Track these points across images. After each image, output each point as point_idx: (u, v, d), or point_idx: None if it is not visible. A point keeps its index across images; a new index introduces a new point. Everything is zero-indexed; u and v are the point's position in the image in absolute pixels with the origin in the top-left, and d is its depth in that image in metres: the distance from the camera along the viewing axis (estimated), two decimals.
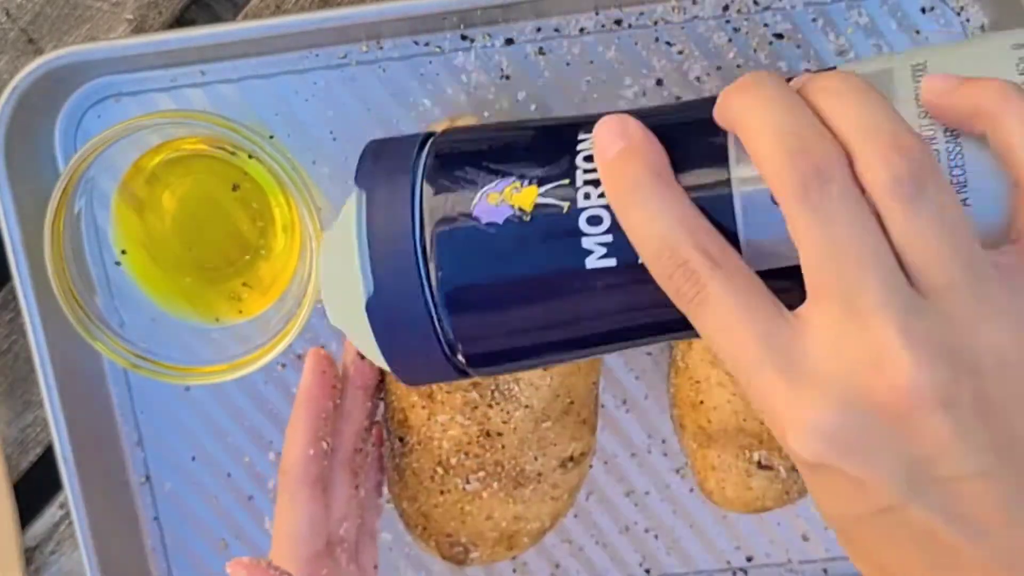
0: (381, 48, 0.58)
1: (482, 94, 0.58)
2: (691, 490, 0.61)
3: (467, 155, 0.39)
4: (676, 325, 0.36)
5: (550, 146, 0.38)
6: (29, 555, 0.63)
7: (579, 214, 0.36)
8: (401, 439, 0.55)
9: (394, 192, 0.38)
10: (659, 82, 0.58)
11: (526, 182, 0.37)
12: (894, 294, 0.32)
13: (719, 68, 0.57)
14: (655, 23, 0.57)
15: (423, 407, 0.53)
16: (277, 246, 0.58)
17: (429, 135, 0.41)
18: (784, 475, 0.55)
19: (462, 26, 0.57)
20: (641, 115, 0.37)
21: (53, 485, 0.61)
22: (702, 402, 0.55)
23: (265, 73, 0.58)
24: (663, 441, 0.61)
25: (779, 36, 0.57)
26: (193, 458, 0.62)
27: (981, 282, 0.32)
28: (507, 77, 0.58)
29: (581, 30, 0.57)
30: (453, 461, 0.54)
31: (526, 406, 0.53)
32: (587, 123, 0.38)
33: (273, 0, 0.59)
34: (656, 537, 0.62)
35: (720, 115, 0.36)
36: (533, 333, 0.38)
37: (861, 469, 0.32)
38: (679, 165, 0.36)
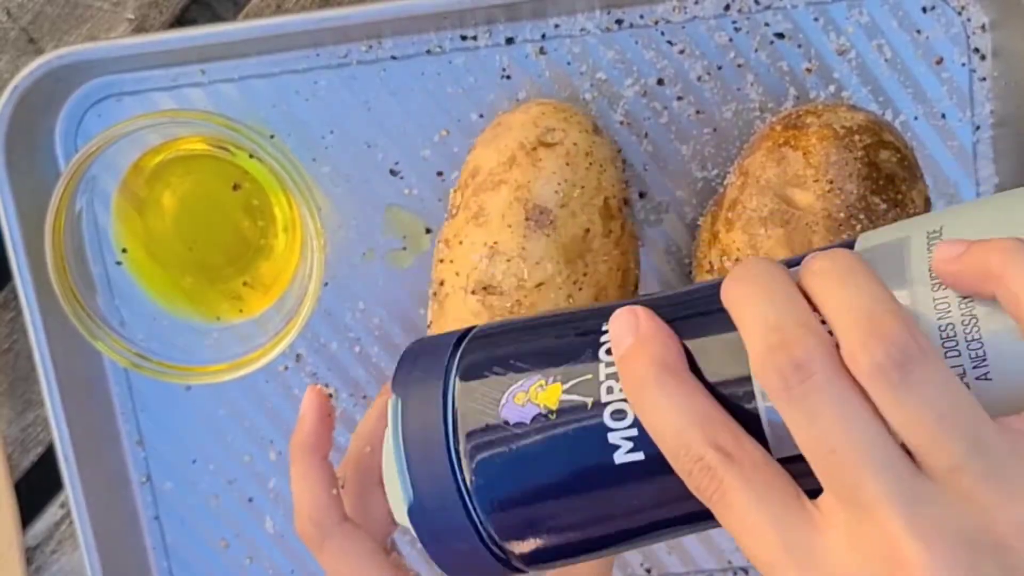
0: (382, 47, 0.58)
1: (483, 94, 0.58)
2: None
3: (496, 355, 0.38)
4: (713, 515, 0.35)
5: (574, 341, 0.38)
6: (30, 554, 0.63)
7: (603, 409, 0.36)
8: None
9: (426, 398, 0.38)
10: (660, 82, 0.58)
11: (551, 379, 0.37)
12: (896, 484, 0.31)
13: (720, 68, 0.57)
14: (656, 23, 0.57)
15: None
16: (278, 245, 0.58)
17: (465, 333, 0.40)
18: None
19: (463, 26, 0.57)
20: (656, 303, 0.37)
21: (54, 484, 0.61)
22: None
23: (266, 72, 0.58)
24: None
25: (780, 35, 0.57)
26: (194, 461, 0.62)
27: (991, 460, 0.31)
28: (508, 76, 0.58)
29: (582, 29, 0.57)
30: None
31: None
32: (610, 314, 0.37)
33: (274, 0, 0.59)
34: None
35: (724, 303, 0.35)
36: (577, 530, 0.38)
37: None
38: (697, 353, 0.35)
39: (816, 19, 0.57)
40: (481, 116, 0.58)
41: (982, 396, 0.32)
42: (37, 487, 0.62)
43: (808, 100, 0.57)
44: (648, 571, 0.62)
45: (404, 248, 0.59)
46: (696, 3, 0.57)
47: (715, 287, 0.36)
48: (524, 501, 0.37)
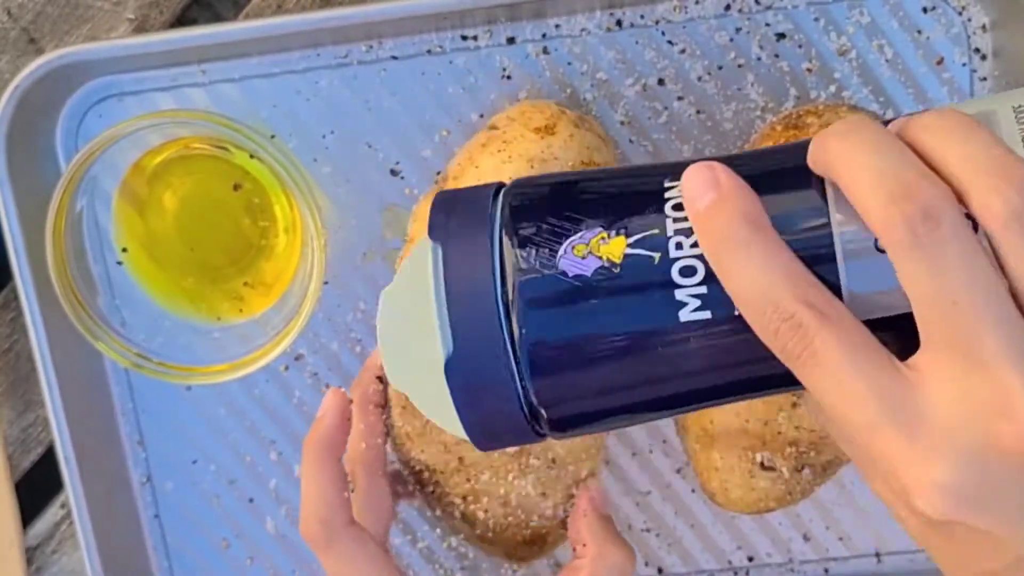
0: (382, 48, 0.58)
1: (483, 94, 0.58)
2: (692, 490, 0.61)
3: (546, 205, 0.37)
4: (777, 380, 0.35)
5: (636, 194, 0.36)
6: (30, 555, 0.63)
7: (671, 265, 0.35)
8: (420, 485, 0.55)
9: (472, 246, 0.36)
10: (661, 82, 0.58)
11: (613, 232, 0.35)
12: (1016, 339, 0.31)
13: (720, 68, 0.57)
14: (656, 23, 0.57)
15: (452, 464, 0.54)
16: (279, 246, 0.58)
17: (500, 185, 0.39)
18: (787, 476, 0.55)
19: (463, 26, 0.57)
20: (729, 161, 0.35)
21: (54, 485, 0.61)
22: None
23: (266, 72, 0.58)
24: (664, 441, 0.61)
25: (781, 36, 0.57)
26: (195, 461, 0.62)
27: None
28: (508, 77, 0.58)
29: (582, 29, 0.57)
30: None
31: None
32: (671, 170, 0.36)
33: (274, 0, 0.59)
34: (657, 536, 0.62)
35: (816, 161, 0.34)
36: (621, 393, 0.36)
37: (994, 522, 0.31)
38: (774, 215, 0.34)
39: (817, 19, 0.57)
40: (482, 116, 0.58)
41: None
42: (38, 487, 0.62)
43: (809, 100, 0.57)
44: (660, 571, 0.62)
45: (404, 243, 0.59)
46: (697, 3, 0.57)
47: (794, 147, 0.35)
48: (574, 356, 0.36)
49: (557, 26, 0.57)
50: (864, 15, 0.57)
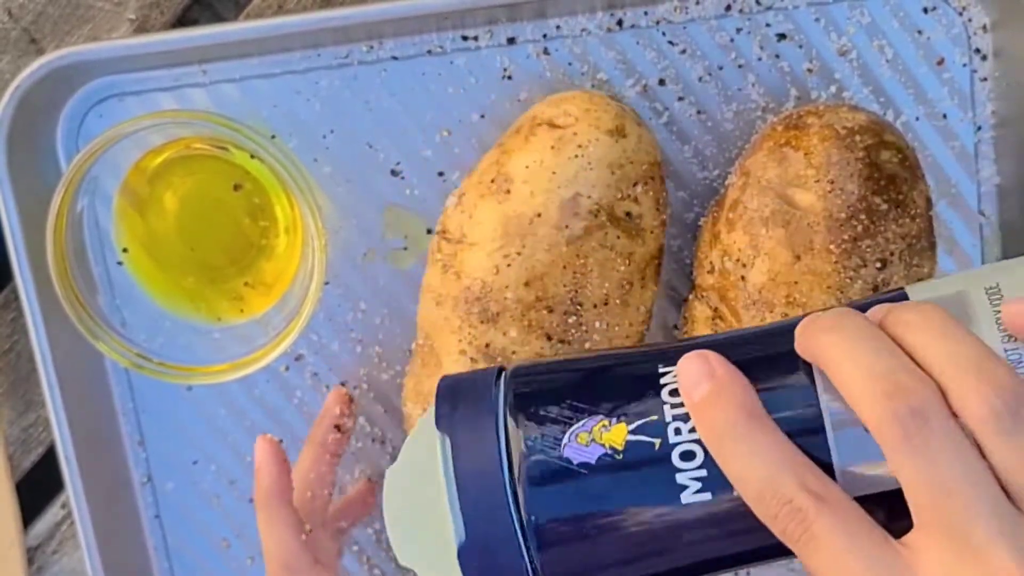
0: (383, 48, 0.58)
1: (484, 94, 0.58)
2: None
3: (548, 393, 0.39)
4: (775, 551, 0.36)
5: (632, 382, 0.38)
6: (31, 555, 0.63)
7: (671, 450, 0.36)
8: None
9: (479, 437, 0.38)
10: (661, 82, 0.58)
11: (614, 420, 0.37)
12: (1005, 523, 0.32)
13: (721, 68, 0.57)
14: (657, 23, 0.57)
15: None
16: (279, 246, 0.58)
17: (500, 370, 0.41)
18: None
19: (464, 26, 0.57)
20: (718, 347, 0.37)
21: (55, 485, 0.61)
22: None
23: (267, 73, 0.58)
24: None
25: (781, 36, 0.57)
26: (195, 461, 0.62)
27: None
28: (509, 77, 0.58)
29: (583, 30, 0.57)
30: None
31: None
32: (664, 355, 0.38)
33: (275, 0, 0.59)
34: None
35: (804, 350, 0.36)
36: (626, 567, 0.38)
37: None
38: (766, 399, 0.36)
39: (817, 19, 0.57)
40: (482, 116, 0.58)
41: None
42: (38, 487, 0.62)
43: (809, 100, 0.57)
44: None
45: (405, 248, 0.59)
46: (697, 3, 0.57)
47: (781, 331, 0.37)
48: (582, 538, 0.37)
49: (558, 26, 0.57)
50: (864, 15, 0.57)
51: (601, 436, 0.37)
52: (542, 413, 0.38)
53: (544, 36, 0.57)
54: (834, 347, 0.35)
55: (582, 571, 0.38)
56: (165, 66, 0.58)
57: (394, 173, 0.59)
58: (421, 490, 0.39)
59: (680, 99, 0.58)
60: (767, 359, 0.37)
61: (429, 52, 0.58)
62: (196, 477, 0.62)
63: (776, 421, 0.36)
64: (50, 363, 0.58)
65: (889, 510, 0.35)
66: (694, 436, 0.36)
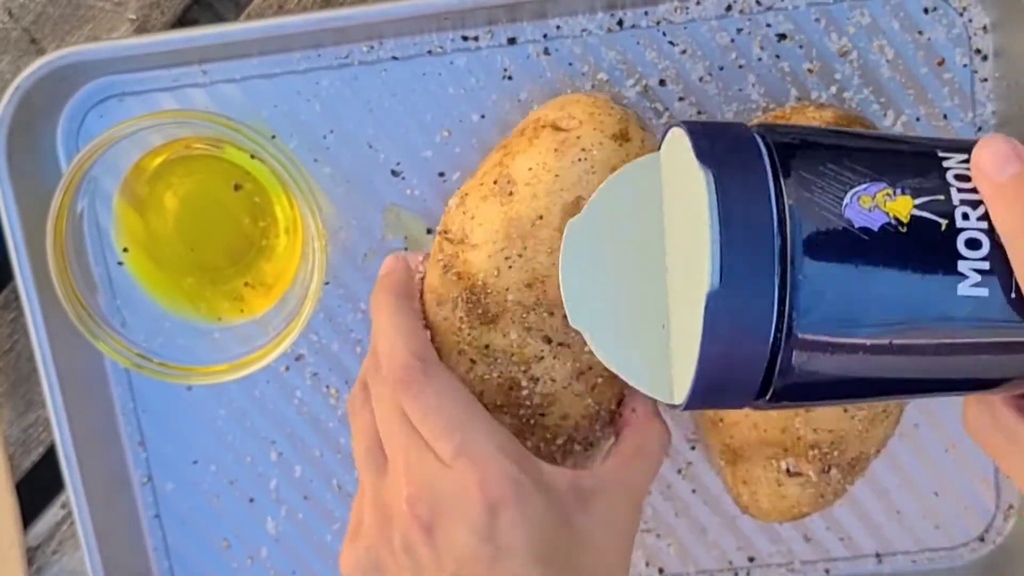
0: (383, 48, 0.58)
1: (484, 94, 0.58)
2: (693, 490, 0.61)
3: (823, 151, 0.35)
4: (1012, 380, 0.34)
5: (915, 157, 0.35)
6: (31, 555, 0.63)
7: (957, 235, 0.34)
8: None
9: (750, 177, 0.34)
10: (662, 82, 0.58)
11: (899, 190, 0.34)
12: None
13: (721, 68, 0.57)
14: (657, 23, 0.57)
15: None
16: (279, 246, 0.58)
17: (742, 125, 0.37)
18: (815, 479, 0.54)
19: (464, 26, 0.57)
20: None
21: (55, 485, 0.61)
22: (721, 420, 0.55)
23: (267, 73, 0.58)
24: None
25: (782, 36, 0.57)
26: (195, 461, 0.62)
27: None
28: (510, 77, 0.58)
29: (583, 30, 0.57)
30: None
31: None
32: (943, 144, 0.36)
33: (275, 0, 0.59)
34: (658, 536, 0.62)
35: None
36: (876, 361, 0.35)
37: None
38: None
39: (818, 20, 0.57)
40: (483, 117, 0.58)
41: None
42: (38, 487, 0.62)
43: (810, 101, 0.57)
44: (661, 571, 0.62)
45: (405, 249, 0.59)
46: (698, 4, 0.57)
47: None
48: (841, 315, 0.34)
49: (558, 27, 0.57)
50: (865, 16, 0.57)
51: (885, 204, 0.34)
52: (821, 168, 0.34)
53: (544, 36, 0.57)
54: None
55: (831, 349, 0.34)
56: (165, 66, 0.58)
57: (394, 173, 0.59)
58: (609, 238, 0.35)
59: (681, 99, 0.58)
60: None
61: (429, 52, 0.58)
62: (196, 477, 0.62)
63: None
64: (50, 363, 0.58)
65: None
66: (982, 224, 0.34)
